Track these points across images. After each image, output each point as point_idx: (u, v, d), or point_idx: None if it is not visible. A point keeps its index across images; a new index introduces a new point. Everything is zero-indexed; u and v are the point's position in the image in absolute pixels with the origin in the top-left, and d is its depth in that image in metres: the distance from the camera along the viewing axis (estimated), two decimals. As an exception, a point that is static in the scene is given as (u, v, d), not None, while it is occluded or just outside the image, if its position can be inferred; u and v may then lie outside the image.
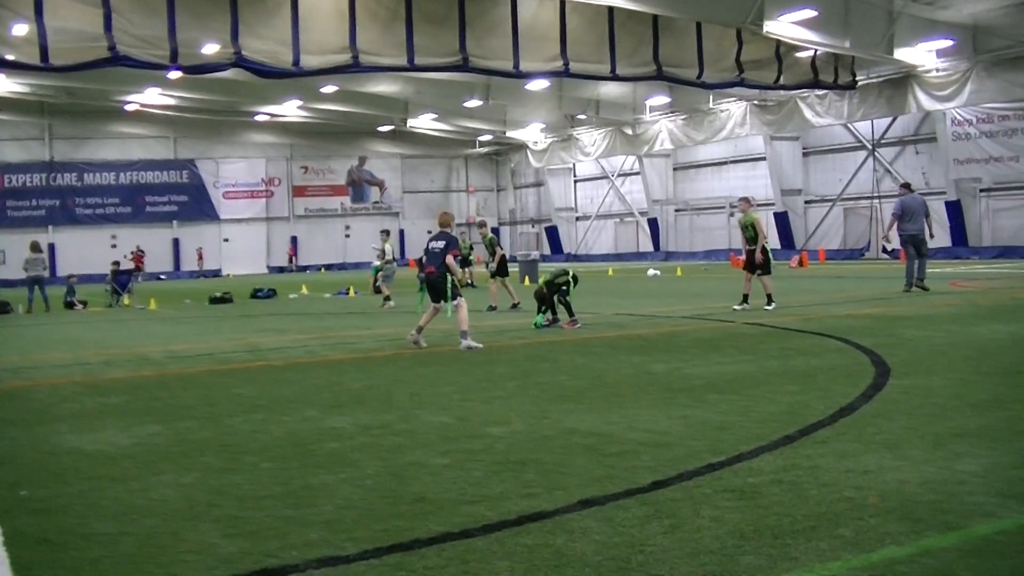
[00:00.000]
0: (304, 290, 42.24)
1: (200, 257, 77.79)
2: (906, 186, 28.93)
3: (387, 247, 33.75)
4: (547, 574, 5.57)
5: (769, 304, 22.73)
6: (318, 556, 6.02)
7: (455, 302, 17.61)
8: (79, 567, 6.08)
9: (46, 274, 39.07)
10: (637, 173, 71.63)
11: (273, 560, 5.99)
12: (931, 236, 27.59)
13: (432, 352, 17.40)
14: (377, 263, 35.30)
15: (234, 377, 15.05)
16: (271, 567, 5.87)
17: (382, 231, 35.68)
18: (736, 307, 23.17)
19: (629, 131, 66.98)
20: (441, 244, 17.92)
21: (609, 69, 40.53)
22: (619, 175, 75.23)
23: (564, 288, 20.63)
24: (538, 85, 53.07)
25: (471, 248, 43.83)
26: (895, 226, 27.45)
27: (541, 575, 5.56)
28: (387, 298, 31.33)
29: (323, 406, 11.76)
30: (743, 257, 24.48)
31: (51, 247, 71.06)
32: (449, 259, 17.65)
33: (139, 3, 31.72)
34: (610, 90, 59.05)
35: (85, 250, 72.29)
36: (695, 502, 6.85)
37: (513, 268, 38.47)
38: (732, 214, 64.38)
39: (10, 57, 31.85)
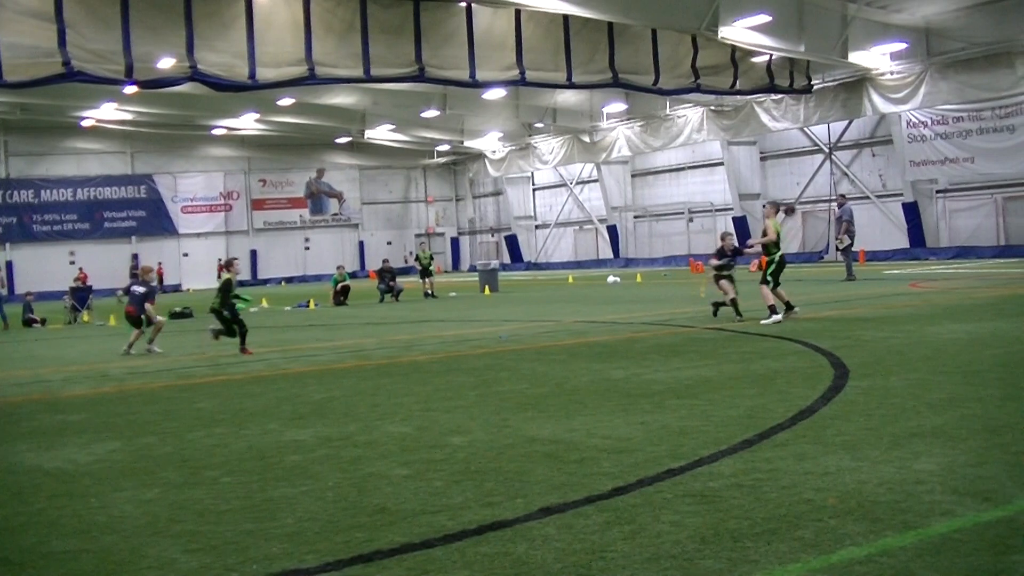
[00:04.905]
0: (264, 303, 42.10)
1: (160, 275, 77.10)
2: (843, 196, 37.12)
3: None
4: (508, 582, 5.58)
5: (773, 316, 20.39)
6: (280, 569, 6.02)
7: (151, 325, 22.55)
8: (38, 586, 6.06)
9: (4, 292, 38.79)
10: (595, 180, 71.65)
11: (233, 574, 5.98)
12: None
13: (393, 363, 17.41)
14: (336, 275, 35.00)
15: (195, 391, 15.01)
16: (232, 581, 5.87)
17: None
18: (779, 317, 20.29)
19: (587, 139, 67.09)
20: (142, 289, 22.64)
21: (565, 77, 40.62)
22: (577, 183, 75.27)
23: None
24: (495, 94, 53.21)
25: (431, 258, 43.85)
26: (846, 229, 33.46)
27: (502, 583, 5.58)
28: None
29: (284, 419, 11.73)
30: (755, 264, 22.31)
31: (8, 265, 70.71)
32: (148, 306, 22.38)
33: (93, 18, 31.52)
34: (567, 98, 59.24)
35: (43, 267, 71.80)
36: (655, 507, 6.87)
37: (473, 278, 38.29)
38: (691, 220, 64.69)
39: (-37, 74, 31.63)
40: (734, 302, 21.25)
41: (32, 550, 6.83)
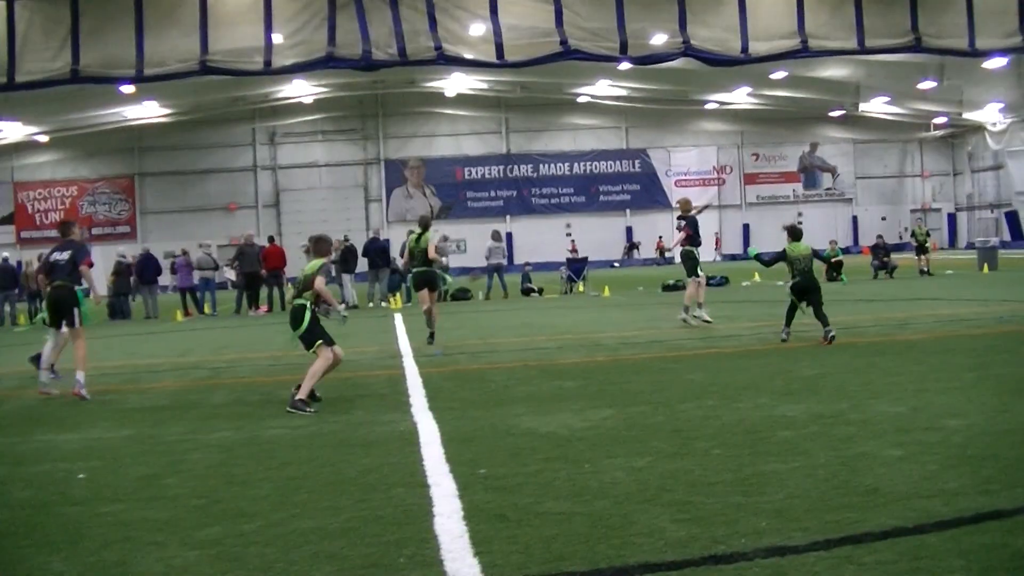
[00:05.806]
0: (756, 277, 42.05)
1: (632, 248, 78.34)
2: None
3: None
4: (1006, 577, 5.34)
5: None
6: (768, 544, 6.00)
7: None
8: (533, 544, 6.30)
9: (505, 262, 40.60)
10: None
11: (722, 547, 6.01)
12: None
13: (886, 341, 17.05)
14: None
15: (685, 363, 15.20)
16: (719, 553, 5.89)
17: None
18: None
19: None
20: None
21: (1071, 44, 38.30)
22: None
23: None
24: (996, 63, 50.81)
25: (927, 235, 42.58)
26: None
27: (999, 577, 5.34)
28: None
29: (774, 393, 11.70)
30: None
31: (508, 236, 73.83)
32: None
33: (588, -2, 32.54)
34: (1076, 66, 55.89)
35: (540, 238, 74.62)
36: None
37: (971, 256, 36.59)
38: None
39: (469, 56, 33.30)
40: None
41: (527, 509, 7.12)
